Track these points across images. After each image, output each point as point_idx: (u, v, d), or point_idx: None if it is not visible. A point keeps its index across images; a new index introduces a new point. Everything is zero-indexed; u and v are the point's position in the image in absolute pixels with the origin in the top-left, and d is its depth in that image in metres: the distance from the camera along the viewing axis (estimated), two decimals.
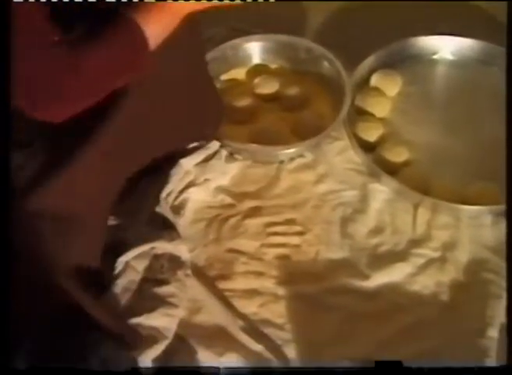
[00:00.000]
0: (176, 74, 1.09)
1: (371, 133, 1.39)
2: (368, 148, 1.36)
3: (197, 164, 1.32)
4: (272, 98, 1.46)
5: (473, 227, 1.26)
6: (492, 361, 1.10)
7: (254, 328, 1.15)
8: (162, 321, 1.12)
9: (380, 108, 1.44)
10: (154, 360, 1.08)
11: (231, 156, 1.36)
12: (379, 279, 1.20)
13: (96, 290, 1.04)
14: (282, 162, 1.37)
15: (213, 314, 1.16)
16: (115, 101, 0.97)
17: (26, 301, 0.95)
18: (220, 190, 1.33)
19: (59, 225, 0.93)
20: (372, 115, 1.43)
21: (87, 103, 0.91)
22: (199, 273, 1.21)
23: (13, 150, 0.91)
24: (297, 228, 1.27)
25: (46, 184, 0.93)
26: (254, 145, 1.34)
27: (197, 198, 1.31)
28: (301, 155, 1.37)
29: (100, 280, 1.07)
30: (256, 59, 1.53)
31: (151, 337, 1.10)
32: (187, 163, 1.31)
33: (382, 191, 1.31)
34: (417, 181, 1.30)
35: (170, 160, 1.28)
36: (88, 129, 0.97)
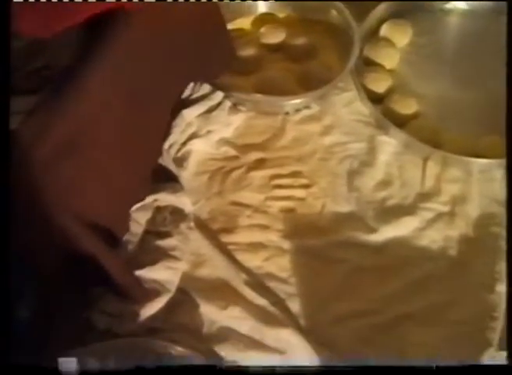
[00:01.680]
0: (185, 12, 1.04)
1: (380, 85, 1.34)
2: (376, 99, 1.32)
3: (200, 115, 1.29)
4: (278, 48, 1.42)
5: (483, 181, 1.23)
6: (499, 316, 1.09)
7: (257, 282, 1.14)
8: (165, 274, 1.11)
9: (389, 59, 1.40)
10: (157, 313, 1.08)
11: (235, 107, 1.33)
12: (386, 233, 1.18)
13: (107, 242, 1.02)
14: (287, 113, 1.33)
15: (216, 267, 1.15)
16: (118, 31, 0.93)
17: (29, 249, 0.93)
18: (223, 142, 1.30)
19: (62, 162, 0.89)
20: (381, 66, 1.38)
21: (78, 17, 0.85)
22: (202, 225, 1.19)
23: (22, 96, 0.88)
24: (303, 181, 1.25)
25: (50, 124, 0.88)
26: (259, 95, 1.30)
27: (199, 149, 1.28)
28: (307, 107, 1.33)
29: (111, 231, 1.05)
30: (262, 8, 1.49)
31: (153, 291, 1.09)
32: (189, 114, 1.28)
33: (390, 144, 1.28)
34: (426, 134, 1.26)
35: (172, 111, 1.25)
36: (88, 60, 0.91)
